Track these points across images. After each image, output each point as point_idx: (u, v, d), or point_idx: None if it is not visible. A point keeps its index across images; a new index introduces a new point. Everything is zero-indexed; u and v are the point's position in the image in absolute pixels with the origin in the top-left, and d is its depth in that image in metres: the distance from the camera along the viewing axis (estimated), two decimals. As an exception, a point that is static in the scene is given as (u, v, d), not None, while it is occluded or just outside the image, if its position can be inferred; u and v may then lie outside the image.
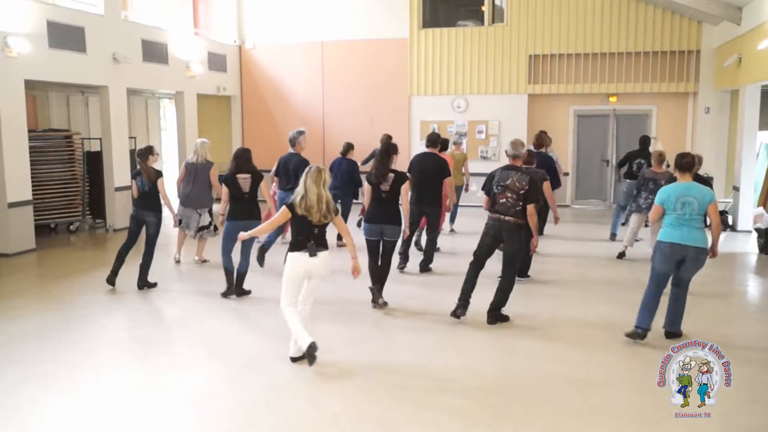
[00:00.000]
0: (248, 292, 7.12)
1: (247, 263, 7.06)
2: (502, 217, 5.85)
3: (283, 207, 5.04)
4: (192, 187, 8.48)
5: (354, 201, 9.85)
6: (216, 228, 8.65)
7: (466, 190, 11.07)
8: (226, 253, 6.97)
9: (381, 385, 4.77)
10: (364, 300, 6.70)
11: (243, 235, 5.33)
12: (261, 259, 8.08)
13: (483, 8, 14.27)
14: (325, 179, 4.98)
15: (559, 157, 11.82)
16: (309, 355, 4.89)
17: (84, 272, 8.51)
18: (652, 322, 5.38)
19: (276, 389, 4.74)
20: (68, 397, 4.63)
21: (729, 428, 3.95)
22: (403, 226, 6.62)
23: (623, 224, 10.32)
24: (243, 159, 7.10)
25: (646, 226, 8.93)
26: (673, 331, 5.46)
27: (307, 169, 5.03)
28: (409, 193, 7.04)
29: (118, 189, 11.45)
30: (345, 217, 9.02)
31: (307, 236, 4.98)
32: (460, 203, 10.76)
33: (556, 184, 9.17)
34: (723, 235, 10.80)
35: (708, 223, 5.35)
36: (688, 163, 5.40)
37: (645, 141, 10.62)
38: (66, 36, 10.18)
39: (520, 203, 5.77)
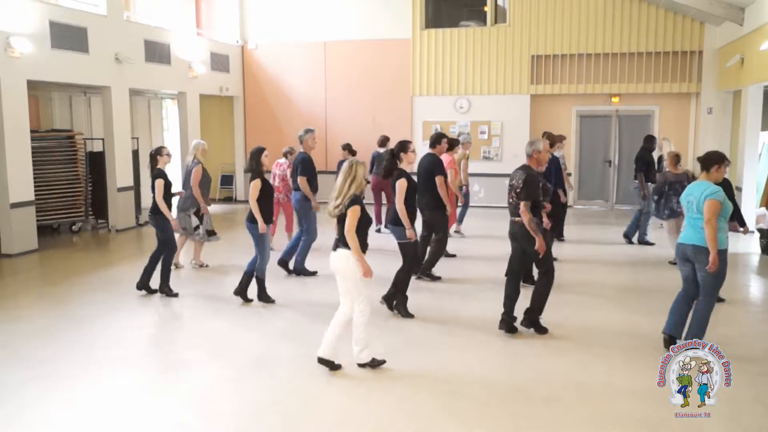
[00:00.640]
0: (273, 300, 6.91)
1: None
2: (512, 218, 5.78)
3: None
4: (185, 189, 8.34)
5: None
6: (211, 233, 8.42)
7: (463, 190, 10.98)
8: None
9: (390, 384, 4.77)
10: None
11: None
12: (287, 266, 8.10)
13: (485, 9, 14.27)
14: (355, 174, 4.84)
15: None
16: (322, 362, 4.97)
17: (87, 273, 8.52)
18: (678, 329, 5.16)
19: (280, 389, 4.74)
20: (71, 397, 4.63)
21: (732, 429, 3.95)
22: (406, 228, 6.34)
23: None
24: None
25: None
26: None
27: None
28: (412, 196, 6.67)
29: (120, 189, 11.47)
30: None
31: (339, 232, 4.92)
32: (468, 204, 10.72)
33: (559, 185, 9.05)
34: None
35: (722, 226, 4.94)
36: (703, 160, 5.19)
37: (650, 140, 10.49)
38: (68, 36, 10.19)
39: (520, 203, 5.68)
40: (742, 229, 7.27)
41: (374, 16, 14.53)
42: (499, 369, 5.12)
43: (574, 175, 14.28)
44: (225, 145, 15.64)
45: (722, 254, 4.91)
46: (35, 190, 9.95)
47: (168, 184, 7.18)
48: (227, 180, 15.87)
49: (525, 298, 5.92)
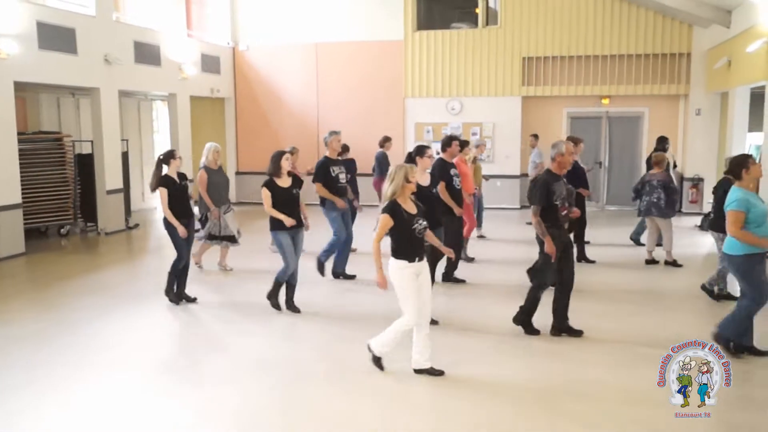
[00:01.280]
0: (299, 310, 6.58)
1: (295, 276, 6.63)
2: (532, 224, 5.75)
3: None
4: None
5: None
6: (233, 239, 8.28)
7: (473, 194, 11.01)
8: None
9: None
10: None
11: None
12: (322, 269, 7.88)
13: (477, 11, 14.31)
14: (393, 177, 4.69)
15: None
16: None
17: (76, 276, 8.44)
18: (746, 338, 5.09)
19: (279, 390, 4.70)
20: (66, 401, 4.58)
21: (723, 426, 3.94)
22: None
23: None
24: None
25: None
26: (719, 332, 5.12)
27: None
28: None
29: (110, 192, 11.37)
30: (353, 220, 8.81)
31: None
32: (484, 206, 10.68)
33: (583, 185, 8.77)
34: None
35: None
36: (730, 171, 5.15)
37: (662, 141, 10.41)
38: (56, 37, 10.09)
39: None
40: None
41: (366, 18, 14.52)
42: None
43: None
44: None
45: (753, 258, 4.88)
46: (23, 193, 9.83)
47: (182, 188, 6.87)
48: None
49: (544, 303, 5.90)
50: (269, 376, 4.97)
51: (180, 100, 13.39)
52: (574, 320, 5.79)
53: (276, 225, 6.42)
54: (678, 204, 9.09)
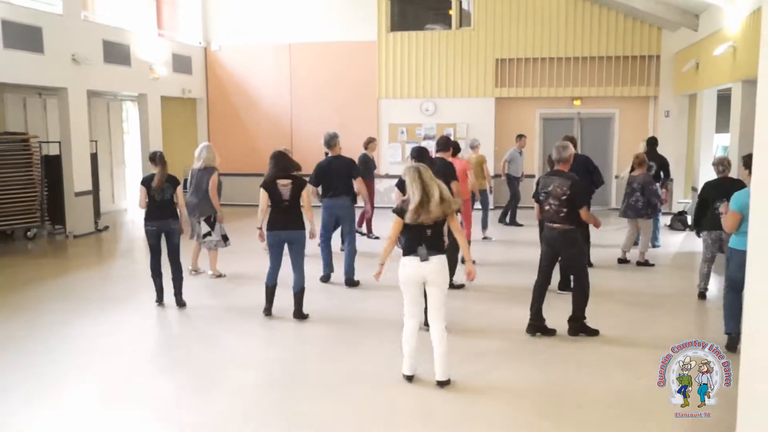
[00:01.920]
0: (307, 316, 6.34)
1: (302, 279, 6.33)
2: (551, 224, 5.74)
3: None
4: (192, 194, 8.00)
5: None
6: (227, 239, 8.11)
7: (491, 191, 11.08)
8: (272, 269, 6.37)
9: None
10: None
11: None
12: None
13: (450, 12, 14.36)
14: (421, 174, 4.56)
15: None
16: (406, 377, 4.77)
17: (43, 280, 8.23)
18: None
19: (250, 400, 4.63)
20: (30, 408, 4.44)
21: (698, 426, 3.96)
22: None
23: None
24: (282, 162, 6.32)
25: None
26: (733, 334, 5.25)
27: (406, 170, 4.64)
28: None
29: (78, 194, 11.12)
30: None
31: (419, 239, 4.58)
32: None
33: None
34: (682, 235, 11.05)
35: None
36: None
37: (653, 142, 10.27)
38: (22, 36, 9.83)
39: (564, 209, 5.60)
40: None
41: (340, 19, 14.46)
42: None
43: (538, 177, 14.47)
44: (188, 148, 15.19)
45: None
46: (-12, 195, 9.53)
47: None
48: (190, 183, 15.48)
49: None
50: (246, 382, 4.90)
51: (151, 101, 13.15)
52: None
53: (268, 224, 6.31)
54: (659, 204, 8.90)
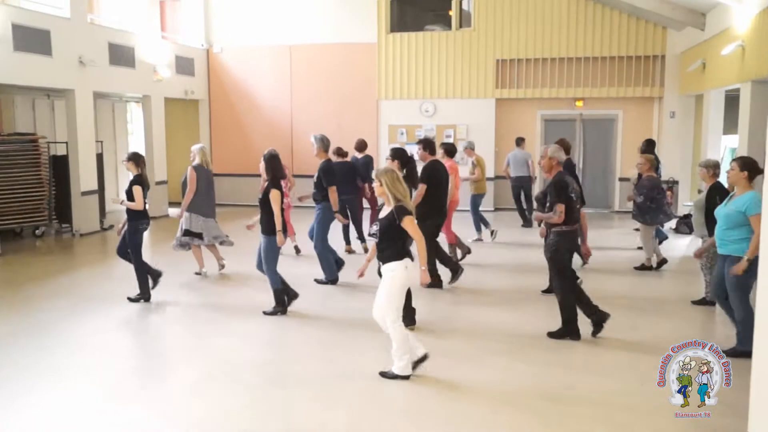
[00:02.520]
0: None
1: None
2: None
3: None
4: (210, 195, 8.15)
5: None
6: (196, 234, 8.16)
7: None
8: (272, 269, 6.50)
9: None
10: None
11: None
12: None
13: (450, 13, 14.37)
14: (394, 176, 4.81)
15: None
16: (420, 360, 4.86)
17: (50, 277, 8.34)
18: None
19: (247, 395, 4.70)
20: (32, 405, 4.51)
21: (693, 428, 3.96)
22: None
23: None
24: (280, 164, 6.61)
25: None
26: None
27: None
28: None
29: (84, 193, 11.27)
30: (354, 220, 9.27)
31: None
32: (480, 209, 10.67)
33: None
34: (688, 239, 10.94)
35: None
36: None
37: (651, 144, 10.24)
38: (31, 39, 9.97)
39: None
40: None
41: (340, 20, 14.50)
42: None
43: (539, 180, 14.44)
44: (189, 149, 15.29)
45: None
46: (-4, 195, 9.64)
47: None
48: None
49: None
50: (242, 381, 4.93)
51: (154, 102, 13.28)
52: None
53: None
54: (660, 210, 8.35)
